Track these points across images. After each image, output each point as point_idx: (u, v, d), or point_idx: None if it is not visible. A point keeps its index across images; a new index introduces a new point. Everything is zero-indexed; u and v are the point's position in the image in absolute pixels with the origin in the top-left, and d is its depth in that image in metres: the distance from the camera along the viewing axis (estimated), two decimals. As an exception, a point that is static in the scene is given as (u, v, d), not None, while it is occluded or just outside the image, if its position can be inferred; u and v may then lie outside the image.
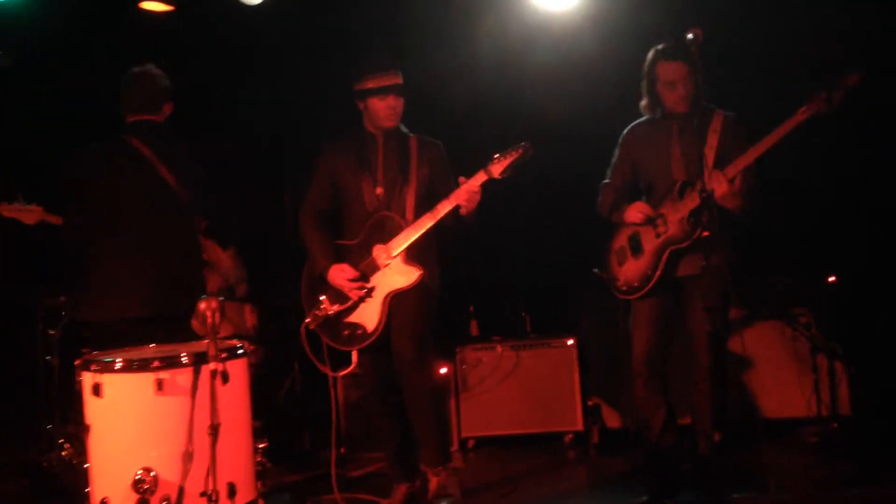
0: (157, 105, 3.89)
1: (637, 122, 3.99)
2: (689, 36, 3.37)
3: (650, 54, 3.84)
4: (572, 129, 5.16)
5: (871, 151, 4.91)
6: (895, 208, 4.88)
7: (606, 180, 4.06)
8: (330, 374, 3.94)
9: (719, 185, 3.55)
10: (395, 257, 3.85)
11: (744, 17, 4.89)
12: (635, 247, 3.87)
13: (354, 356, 3.91)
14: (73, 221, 3.83)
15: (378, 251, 3.88)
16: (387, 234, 3.88)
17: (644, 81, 3.87)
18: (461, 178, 3.81)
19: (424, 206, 3.86)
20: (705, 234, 3.54)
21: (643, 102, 3.91)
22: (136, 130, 3.83)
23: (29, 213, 4.11)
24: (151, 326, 3.54)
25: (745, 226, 3.75)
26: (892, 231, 4.92)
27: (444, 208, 3.80)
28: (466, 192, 3.76)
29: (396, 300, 3.85)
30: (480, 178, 3.76)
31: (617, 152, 4.02)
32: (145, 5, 5.14)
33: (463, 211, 3.80)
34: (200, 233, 4.05)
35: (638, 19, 4.85)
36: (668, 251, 3.75)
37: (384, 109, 3.89)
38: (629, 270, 3.87)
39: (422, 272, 3.82)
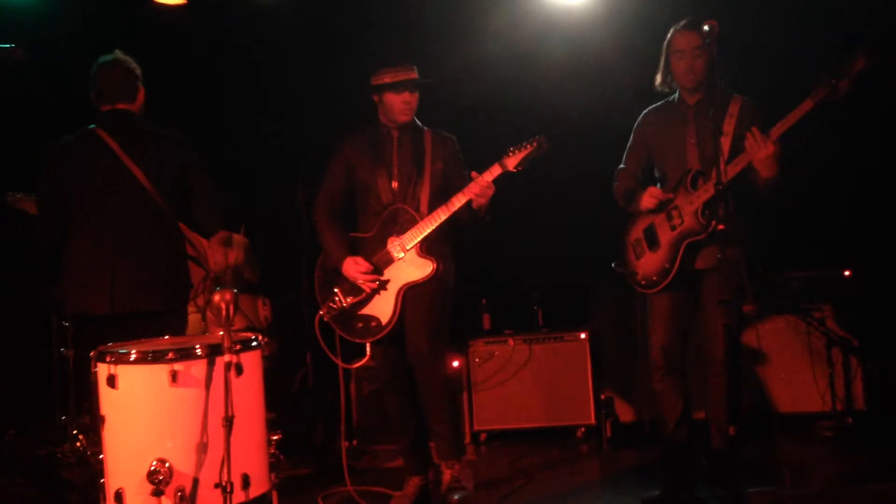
0: (130, 92, 3.72)
1: (653, 106, 3.95)
2: (706, 28, 3.35)
3: (672, 27, 3.83)
4: (586, 122, 5.15)
5: (888, 142, 4.86)
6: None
7: (622, 165, 4.04)
8: (343, 366, 3.95)
9: (762, 148, 3.46)
10: (409, 250, 3.85)
11: (760, 7, 4.85)
12: (651, 239, 3.85)
13: (368, 348, 3.92)
14: (42, 216, 3.71)
15: (392, 244, 3.88)
16: (401, 226, 3.89)
17: (662, 54, 3.86)
18: (473, 173, 3.80)
19: (439, 199, 3.86)
20: (720, 227, 3.51)
21: (658, 79, 3.89)
22: (107, 121, 3.67)
23: (32, 204, 4.10)
24: (127, 323, 3.44)
25: (767, 199, 3.66)
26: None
27: (458, 202, 3.80)
28: (479, 187, 3.75)
29: (411, 293, 3.85)
30: (495, 171, 3.76)
31: (632, 137, 4.00)
32: None
33: (475, 205, 3.80)
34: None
35: (651, 12, 4.82)
36: (684, 244, 3.72)
37: (399, 104, 3.89)
38: (647, 264, 3.85)
39: (436, 265, 3.82)
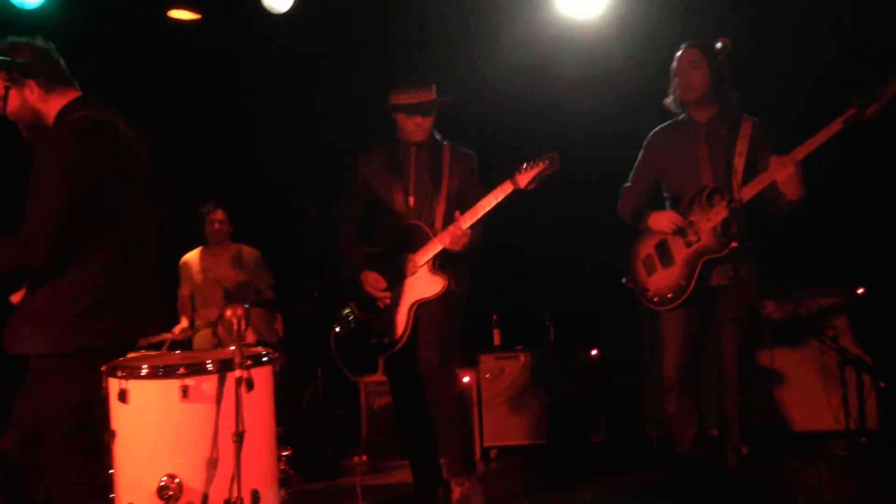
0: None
1: (663, 125, 3.96)
2: (718, 45, 3.35)
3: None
4: (599, 136, 5.15)
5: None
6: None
7: (628, 183, 4.03)
8: (356, 380, 3.95)
9: (786, 169, 3.46)
10: (421, 266, 3.86)
11: (772, 24, 4.86)
12: (664, 256, 3.83)
13: (381, 363, 3.92)
14: None
15: (406, 260, 3.88)
16: (415, 243, 3.89)
17: (670, 76, 3.87)
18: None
19: (453, 216, 3.86)
20: (733, 244, 3.50)
21: (668, 98, 3.90)
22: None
23: None
24: None
25: (784, 219, 3.67)
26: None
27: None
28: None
29: (423, 309, 3.85)
30: (507, 188, 3.75)
31: (641, 155, 4.00)
32: (173, 13, 5.18)
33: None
34: None
35: (663, 26, 4.83)
36: (702, 261, 3.70)
37: (411, 126, 3.90)
38: (660, 280, 3.82)
39: (447, 282, 3.82)
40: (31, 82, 2.99)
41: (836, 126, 3.43)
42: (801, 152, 3.48)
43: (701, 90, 3.72)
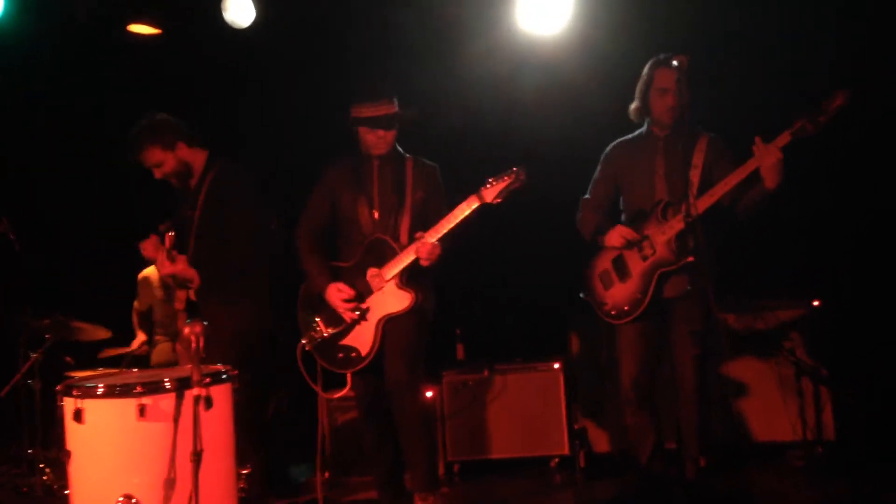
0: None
1: (622, 139, 4.01)
2: (675, 63, 3.41)
3: (651, 60, 3.86)
4: (561, 150, 5.18)
5: (858, 172, 4.94)
6: (879, 232, 4.91)
7: (587, 196, 4.07)
8: (324, 396, 3.94)
9: (771, 154, 3.49)
10: (388, 281, 3.85)
11: (729, 39, 4.94)
12: (621, 270, 3.88)
13: (349, 378, 3.91)
14: None
15: (372, 275, 3.88)
16: (381, 257, 3.89)
17: (639, 84, 3.89)
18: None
19: (418, 229, 3.86)
20: (690, 259, 3.55)
21: (633, 105, 3.92)
22: None
23: None
24: None
25: (749, 218, 3.72)
26: (876, 255, 4.95)
27: (407, 257, 3.82)
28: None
29: (390, 324, 3.85)
30: (472, 202, 3.76)
31: (599, 168, 4.04)
32: (133, 28, 5.13)
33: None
34: None
35: (624, 43, 4.90)
36: (657, 273, 3.75)
37: (372, 139, 3.91)
38: (617, 294, 3.87)
39: (414, 297, 3.82)
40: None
41: (784, 138, 3.51)
42: (781, 141, 3.52)
43: (678, 113, 3.71)
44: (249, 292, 3.91)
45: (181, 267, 3.84)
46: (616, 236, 3.83)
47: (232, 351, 3.58)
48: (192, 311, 3.92)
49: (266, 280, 3.97)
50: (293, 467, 4.97)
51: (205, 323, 2.80)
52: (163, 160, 3.95)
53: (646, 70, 3.87)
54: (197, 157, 4.05)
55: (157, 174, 4.01)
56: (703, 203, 3.62)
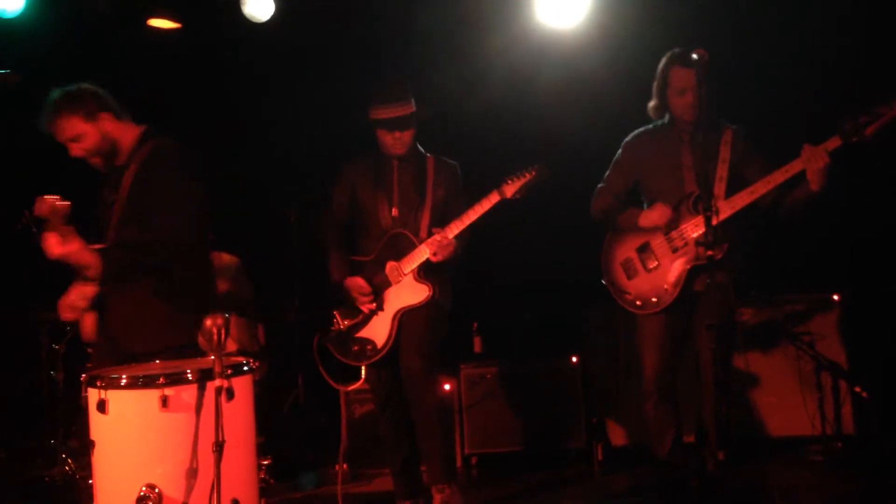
0: None
1: (643, 129, 3.95)
2: (694, 56, 3.37)
3: (665, 57, 3.81)
4: (580, 143, 5.18)
5: (880, 168, 4.90)
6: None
7: (602, 184, 4.04)
8: (337, 388, 3.96)
9: (820, 158, 3.45)
10: (406, 274, 3.88)
11: (750, 32, 4.91)
12: (647, 259, 3.83)
13: (363, 371, 3.93)
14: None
15: (391, 268, 3.91)
16: (400, 251, 3.92)
17: (656, 83, 3.84)
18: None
19: (439, 225, 3.88)
20: (710, 252, 3.53)
21: (652, 103, 3.88)
22: None
23: None
24: None
25: (791, 218, 3.69)
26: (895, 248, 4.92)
27: (422, 254, 3.83)
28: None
29: (407, 317, 3.87)
30: (493, 198, 3.78)
31: (620, 155, 3.98)
32: (153, 22, 5.16)
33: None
34: None
35: (643, 34, 4.88)
36: (689, 267, 3.72)
37: (390, 140, 3.93)
38: (642, 285, 3.82)
39: (431, 290, 3.85)
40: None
41: (834, 142, 3.44)
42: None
43: (699, 109, 3.63)
44: (168, 297, 3.21)
45: (75, 248, 3.06)
46: (658, 214, 3.77)
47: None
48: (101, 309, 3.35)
49: (194, 286, 3.28)
50: (311, 459, 4.99)
51: (226, 315, 2.81)
52: (82, 133, 3.27)
53: (661, 67, 3.80)
54: (126, 134, 3.36)
55: (75, 150, 3.32)
56: (742, 200, 3.59)
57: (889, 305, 4.85)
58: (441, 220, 3.90)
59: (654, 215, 3.78)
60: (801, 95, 4.85)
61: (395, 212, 3.97)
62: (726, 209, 3.61)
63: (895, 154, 4.78)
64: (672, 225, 3.76)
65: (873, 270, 4.97)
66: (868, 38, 4.72)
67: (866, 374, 4.66)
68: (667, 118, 3.88)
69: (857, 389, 4.50)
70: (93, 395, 2.85)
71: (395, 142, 3.92)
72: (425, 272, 3.88)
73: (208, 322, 2.78)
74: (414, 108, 3.92)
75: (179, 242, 3.17)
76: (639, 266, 3.85)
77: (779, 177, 3.56)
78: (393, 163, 4.01)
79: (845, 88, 4.64)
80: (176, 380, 2.80)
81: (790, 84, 4.87)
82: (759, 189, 3.58)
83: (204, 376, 2.81)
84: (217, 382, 2.73)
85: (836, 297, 4.79)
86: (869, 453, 4.53)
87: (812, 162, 3.47)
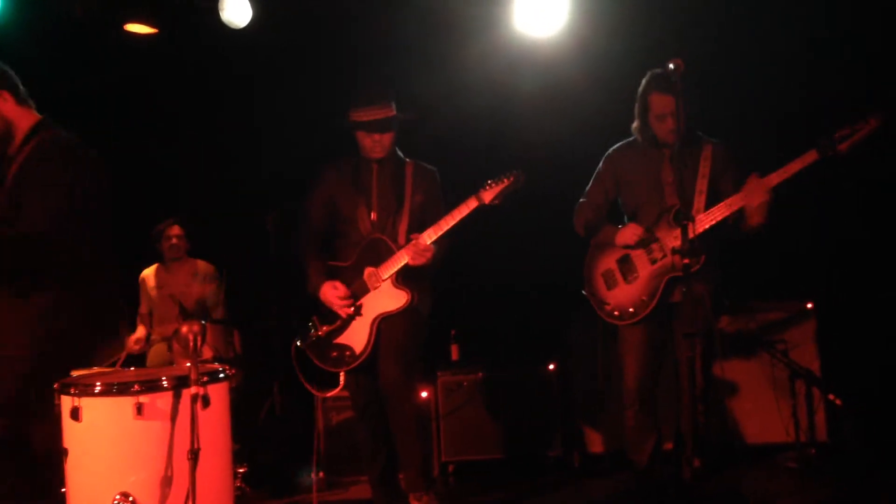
0: None
1: (624, 142, 3.99)
2: (671, 66, 3.40)
3: (645, 79, 3.84)
4: (558, 150, 5.21)
5: (851, 176, 4.97)
6: (872, 234, 4.94)
7: (583, 199, 4.07)
8: (317, 395, 3.94)
9: (758, 195, 3.51)
10: (385, 280, 3.87)
11: (728, 43, 4.96)
12: (627, 271, 3.87)
13: (342, 378, 3.92)
14: None
15: (369, 274, 3.89)
16: (379, 257, 3.90)
17: (637, 105, 3.88)
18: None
19: (417, 231, 3.87)
20: (686, 261, 3.55)
21: (635, 124, 3.92)
22: None
23: None
24: None
25: (741, 240, 3.74)
26: (869, 257, 4.97)
27: (401, 259, 3.83)
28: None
29: (385, 323, 3.87)
30: (471, 204, 3.78)
31: (601, 168, 4.02)
32: (130, 27, 5.13)
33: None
34: None
35: (620, 43, 4.92)
36: (666, 278, 3.75)
37: (369, 143, 3.93)
38: (621, 295, 3.86)
39: (409, 296, 3.84)
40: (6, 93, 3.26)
41: (810, 157, 3.48)
42: (775, 179, 3.53)
43: (682, 131, 3.64)
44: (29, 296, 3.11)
45: None
46: (629, 234, 3.82)
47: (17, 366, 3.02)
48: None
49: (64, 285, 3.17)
50: (288, 467, 4.97)
51: (203, 322, 2.81)
52: None
53: (641, 90, 3.84)
54: (23, 119, 3.31)
55: None
56: (703, 222, 3.65)
57: (861, 314, 4.91)
58: (419, 226, 3.90)
59: (626, 234, 3.84)
60: (777, 104, 4.90)
61: (374, 216, 3.96)
62: (705, 221, 3.64)
63: (868, 166, 4.89)
64: (652, 238, 3.79)
65: (846, 279, 5.03)
66: (845, 49, 4.78)
67: (839, 381, 4.71)
68: (650, 137, 3.91)
69: (831, 397, 4.55)
70: (66, 402, 2.83)
71: (375, 145, 3.92)
72: (404, 278, 3.88)
73: (184, 329, 2.77)
74: (394, 112, 3.92)
75: (44, 238, 3.06)
76: (619, 277, 3.89)
77: (723, 210, 3.62)
78: (372, 166, 4.00)
79: (823, 98, 4.69)
80: (151, 387, 2.79)
81: (767, 94, 4.92)
82: (717, 213, 3.64)
83: (179, 383, 2.80)
84: (192, 390, 2.73)
85: (809, 306, 4.84)
86: (842, 460, 4.58)
87: (751, 198, 3.53)
